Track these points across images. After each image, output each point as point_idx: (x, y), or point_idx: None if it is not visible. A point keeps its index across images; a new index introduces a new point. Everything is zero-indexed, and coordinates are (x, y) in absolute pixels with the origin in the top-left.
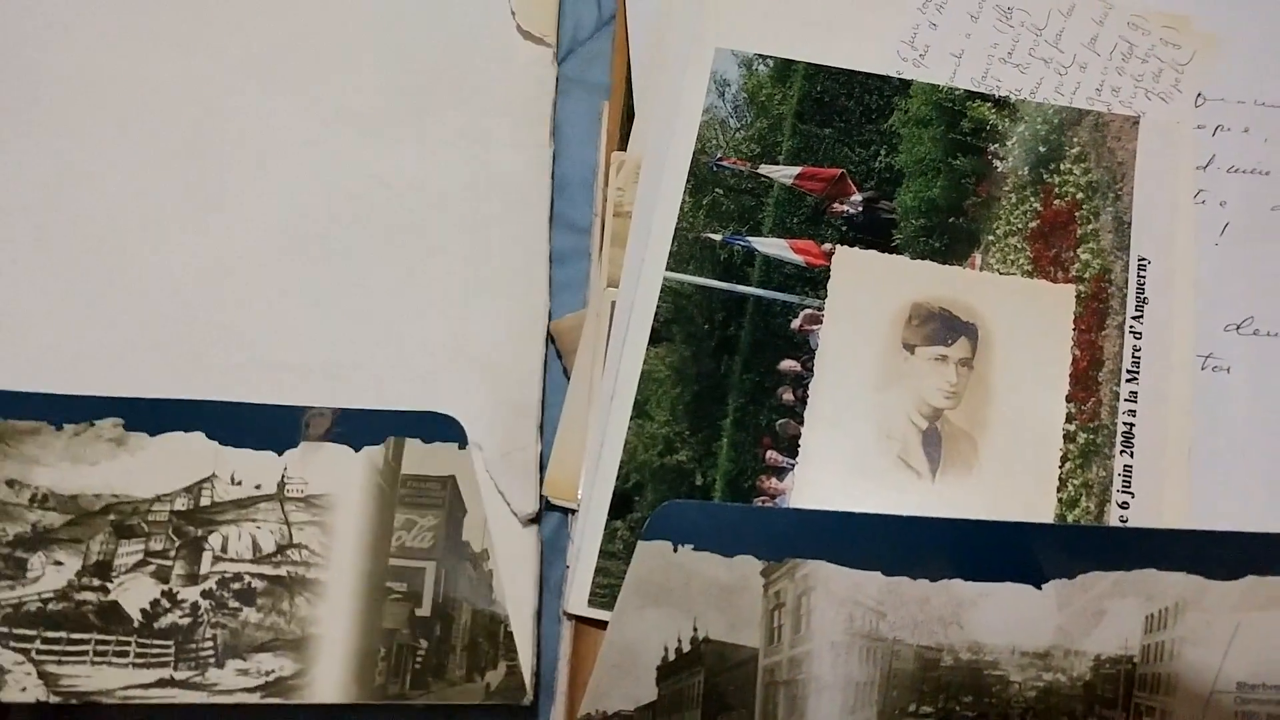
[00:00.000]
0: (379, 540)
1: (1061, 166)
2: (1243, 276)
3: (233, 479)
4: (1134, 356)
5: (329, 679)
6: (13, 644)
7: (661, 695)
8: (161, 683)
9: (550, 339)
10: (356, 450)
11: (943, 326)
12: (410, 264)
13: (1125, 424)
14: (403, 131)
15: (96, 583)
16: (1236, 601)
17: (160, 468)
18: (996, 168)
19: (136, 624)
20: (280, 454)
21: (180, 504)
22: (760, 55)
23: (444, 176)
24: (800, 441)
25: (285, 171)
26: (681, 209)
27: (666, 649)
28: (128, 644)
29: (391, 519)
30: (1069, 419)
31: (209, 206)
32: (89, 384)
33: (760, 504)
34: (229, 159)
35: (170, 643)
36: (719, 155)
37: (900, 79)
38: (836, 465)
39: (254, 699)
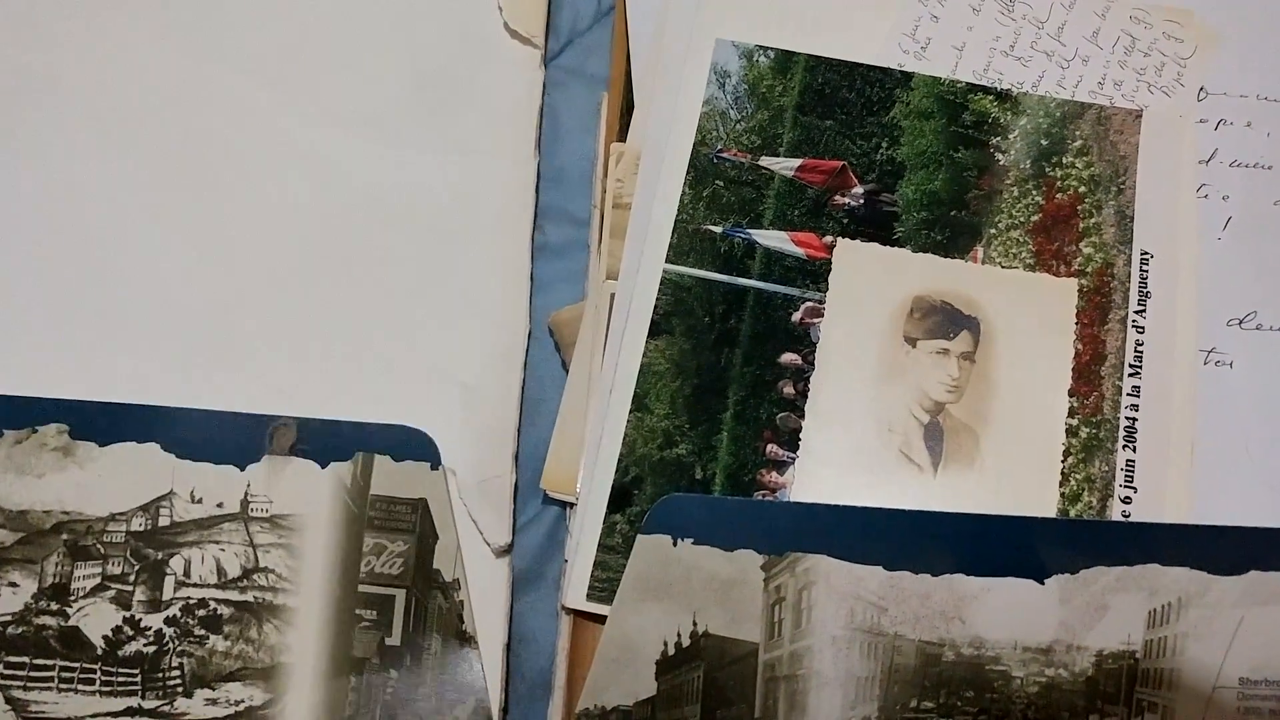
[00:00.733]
0: (348, 565)
1: (1064, 160)
2: (1245, 271)
3: (193, 496)
4: (1136, 351)
5: (299, 709)
6: None
7: (660, 690)
8: (130, 711)
9: (549, 332)
10: (323, 466)
11: (945, 320)
12: (386, 280)
13: (1128, 418)
14: (386, 137)
15: (55, 607)
16: (1239, 597)
17: (113, 482)
18: (999, 161)
19: (100, 651)
20: (243, 469)
21: (138, 524)
22: (761, 46)
23: (425, 187)
24: (801, 435)
25: (262, 176)
26: (681, 201)
27: (666, 643)
28: (93, 671)
29: (360, 543)
30: (1071, 413)
31: (185, 209)
32: (40, 387)
33: (761, 498)
34: (207, 163)
35: (136, 671)
36: (719, 147)
37: (902, 71)
38: (837, 459)
39: None
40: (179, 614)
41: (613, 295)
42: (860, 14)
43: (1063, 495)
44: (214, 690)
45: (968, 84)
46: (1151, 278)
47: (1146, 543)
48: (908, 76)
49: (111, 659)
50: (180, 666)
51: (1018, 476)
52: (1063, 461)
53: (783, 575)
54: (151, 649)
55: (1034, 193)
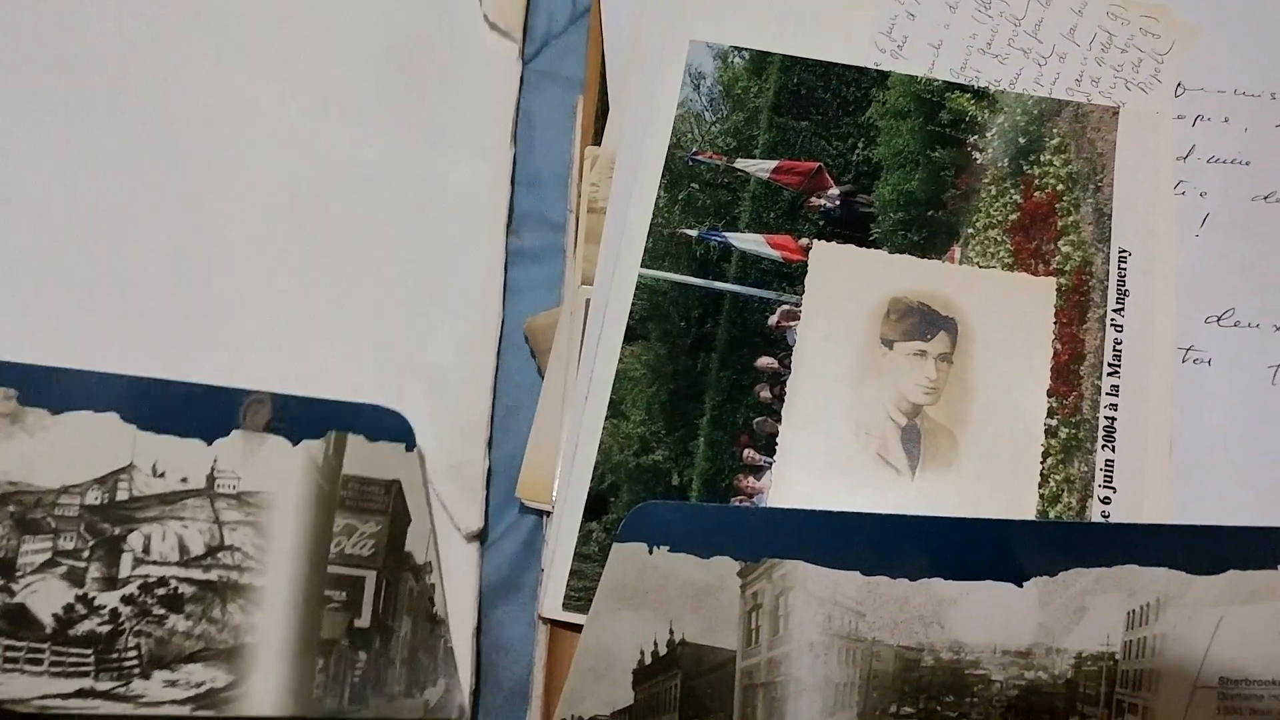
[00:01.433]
0: (318, 545)
1: (1041, 158)
2: (1223, 268)
3: (154, 470)
4: (1115, 350)
5: (264, 691)
6: None
7: (638, 699)
8: (81, 693)
9: (525, 338)
10: (294, 444)
11: (922, 321)
12: (356, 260)
13: (1107, 418)
14: (361, 118)
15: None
16: (1218, 596)
17: (66, 453)
18: (976, 159)
19: (49, 630)
20: (210, 443)
21: (92, 497)
22: (736, 47)
23: (400, 171)
24: (778, 439)
25: (235, 149)
26: (656, 204)
27: (643, 652)
28: (41, 651)
29: (331, 522)
30: (1050, 414)
31: (157, 185)
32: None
33: (738, 503)
34: (180, 139)
35: (90, 651)
36: (694, 149)
37: (878, 70)
38: (815, 463)
39: (184, 711)
40: (137, 592)
41: (588, 300)
42: (836, 13)
43: (1042, 497)
44: (173, 671)
45: (945, 82)
46: (1130, 275)
47: (1125, 543)
48: (884, 76)
49: (61, 638)
50: (137, 647)
51: (997, 478)
52: (1042, 462)
53: (760, 582)
54: (106, 628)
55: (1012, 191)
